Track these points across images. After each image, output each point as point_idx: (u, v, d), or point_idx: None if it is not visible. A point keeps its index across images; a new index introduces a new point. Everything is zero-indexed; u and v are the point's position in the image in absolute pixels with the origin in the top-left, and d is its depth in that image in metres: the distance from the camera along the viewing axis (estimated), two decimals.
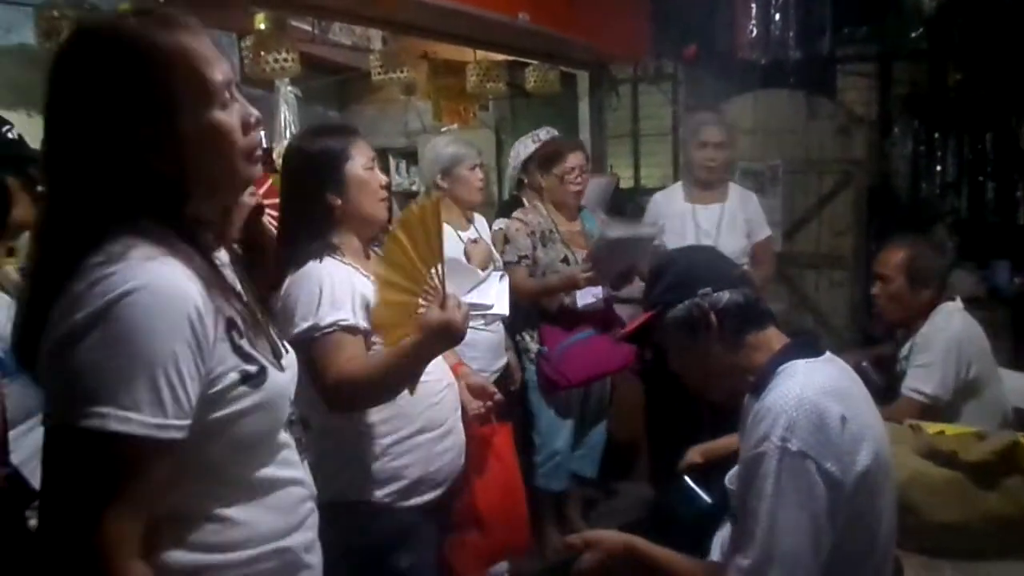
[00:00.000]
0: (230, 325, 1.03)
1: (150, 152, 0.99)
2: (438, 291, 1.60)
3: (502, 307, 1.98)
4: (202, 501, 1.05)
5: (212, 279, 1.02)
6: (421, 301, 1.61)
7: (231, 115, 1.06)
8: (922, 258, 2.54)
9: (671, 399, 2.99)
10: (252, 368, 1.05)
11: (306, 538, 1.19)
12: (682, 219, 3.47)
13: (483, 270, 2.84)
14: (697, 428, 2.41)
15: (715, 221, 3.44)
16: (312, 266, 1.73)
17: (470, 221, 3.21)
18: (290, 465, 1.18)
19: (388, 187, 1.90)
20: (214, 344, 1.00)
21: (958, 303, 2.56)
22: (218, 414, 1.01)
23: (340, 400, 1.69)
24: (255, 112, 1.10)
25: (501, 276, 1.88)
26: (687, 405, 2.61)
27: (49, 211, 1.03)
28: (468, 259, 2.99)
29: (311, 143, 1.86)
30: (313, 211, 1.80)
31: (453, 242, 3.02)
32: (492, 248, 3.17)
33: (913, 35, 4.59)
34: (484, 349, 3.02)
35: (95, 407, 0.89)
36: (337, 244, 1.81)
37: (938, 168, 4.74)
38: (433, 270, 1.61)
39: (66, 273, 0.95)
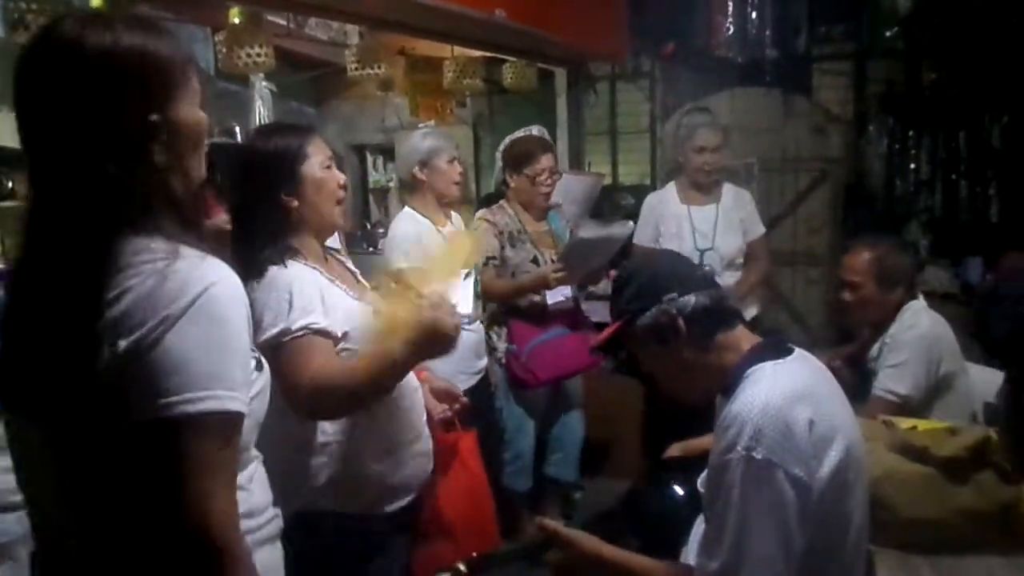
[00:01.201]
0: None
1: (153, 152, 1.02)
2: (441, 297, 1.63)
3: (465, 306, 1.93)
4: None
5: None
6: (420, 298, 1.62)
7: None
8: (889, 258, 2.50)
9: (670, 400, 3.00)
10: (256, 354, 1.17)
11: (278, 508, 1.29)
12: (678, 221, 3.47)
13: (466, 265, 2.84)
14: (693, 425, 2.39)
15: (711, 222, 3.45)
16: (277, 271, 1.66)
17: (447, 217, 3.17)
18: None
19: (346, 187, 1.83)
20: None
21: (922, 301, 2.54)
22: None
23: (315, 406, 1.62)
24: None
25: (467, 274, 1.84)
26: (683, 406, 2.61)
27: (48, 217, 1.01)
28: None
29: (265, 142, 1.78)
30: (268, 213, 1.73)
31: (432, 237, 3.00)
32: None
33: (888, 34, 4.63)
34: (465, 349, 2.97)
35: (210, 391, 0.96)
36: (298, 247, 1.74)
37: (912, 166, 4.79)
38: (447, 285, 1.65)
39: (88, 274, 0.96)
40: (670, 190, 3.63)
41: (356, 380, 1.60)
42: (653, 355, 1.53)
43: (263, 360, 1.19)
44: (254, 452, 1.22)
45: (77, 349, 0.95)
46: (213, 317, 0.98)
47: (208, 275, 0.99)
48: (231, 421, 1.00)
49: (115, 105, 0.99)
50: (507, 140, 3.48)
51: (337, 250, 2.01)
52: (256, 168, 1.75)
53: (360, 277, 1.94)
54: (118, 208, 0.99)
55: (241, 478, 1.12)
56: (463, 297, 1.92)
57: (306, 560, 1.29)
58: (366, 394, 1.64)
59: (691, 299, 1.46)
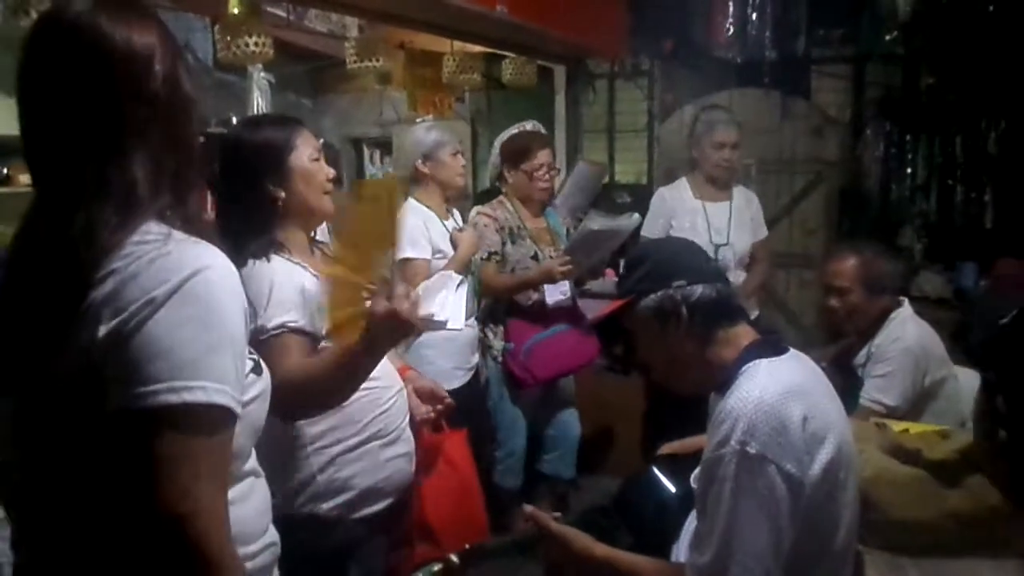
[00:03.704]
0: None
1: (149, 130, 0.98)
2: (387, 281, 1.56)
3: (457, 320, 1.85)
4: None
5: None
6: (369, 286, 1.54)
7: None
8: (876, 264, 2.49)
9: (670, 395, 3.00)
10: (255, 357, 1.10)
11: (276, 534, 1.21)
12: (693, 216, 3.48)
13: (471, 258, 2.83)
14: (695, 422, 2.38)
15: (726, 218, 3.48)
16: (258, 266, 1.64)
17: (449, 212, 3.16)
18: (257, 461, 1.18)
19: (336, 180, 1.81)
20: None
21: (907, 308, 2.54)
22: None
23: (286, 406, 1.51)
24: None
25: (459, 284, 1.78)
26: (683, 401, 2.61)
27: (46, 200, 0.98)
28: (455, 247, 2.95)
29: (252, 133, 1.76)
30: (255, 204, 1.71)
31: (439, 230, 2.99)
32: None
33: (887, 38, 4.63)
34: (460, 346, 2.99)
35: (196, 381, 0.88)
36: (282, 241, 1.72)
37: (908, 170, 4.79)
38: (385, 255, 1.58)
39: (76, 254, 0.90)
40: (682, 185, 3.63)
41: (325, 376, 1.56)
42: (651, 339, 1.53)
43: (262, 364, 1.12)
44: (251, 466, 1.13)
45: (59, 332, 0.90)
46: (204, 302, 0.90)
47: (202, 258, 0.93)
48: (219, 417, 0.91)
49: (110, 87, 0.95)
50: (503, 136, 3.48)
51: (325, 243, 1.98)
52: (243, 158, 1.72)
53: None
54: (114, 191, 0.94)
55: (233, 493, 1.03)
56: (455, 309, 1.85)
57: (284, 564, 1.25)
58: (337, 390, 1.60)
59: (698, 289, 1.47)
